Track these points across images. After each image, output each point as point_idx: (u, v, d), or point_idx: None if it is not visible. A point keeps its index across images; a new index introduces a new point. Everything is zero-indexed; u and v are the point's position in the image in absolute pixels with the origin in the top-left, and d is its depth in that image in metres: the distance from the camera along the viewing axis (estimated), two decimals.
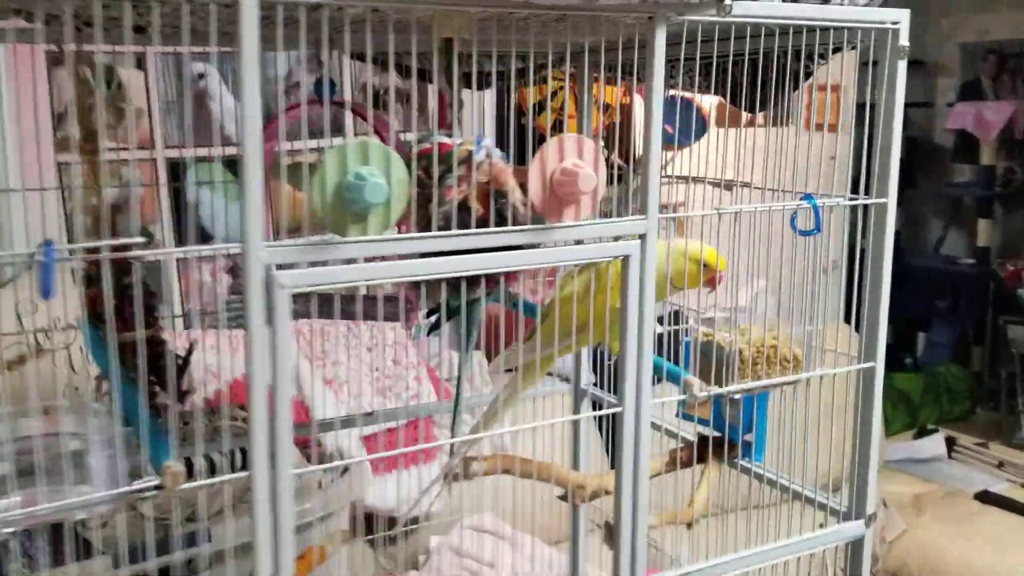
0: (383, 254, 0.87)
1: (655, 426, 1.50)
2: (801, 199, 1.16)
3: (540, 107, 3.20)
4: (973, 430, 4.03)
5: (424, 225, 0.92)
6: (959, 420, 4.24)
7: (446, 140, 0.95)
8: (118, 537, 1.28)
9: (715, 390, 1.13)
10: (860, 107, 1.33)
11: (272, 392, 0.83)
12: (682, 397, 1.15)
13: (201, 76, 2.66)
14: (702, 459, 1.38)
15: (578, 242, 1.04)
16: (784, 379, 1.18)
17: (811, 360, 1.20)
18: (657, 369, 1.18)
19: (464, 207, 0.94)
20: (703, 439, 1.38)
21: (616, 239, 1.02)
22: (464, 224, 0.93)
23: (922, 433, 3.83)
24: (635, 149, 2.93)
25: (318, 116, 1.21)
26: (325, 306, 2.44)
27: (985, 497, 3.13)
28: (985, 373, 4.57)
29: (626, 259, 1.02)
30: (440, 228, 0.92)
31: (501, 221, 0.96)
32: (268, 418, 0.83)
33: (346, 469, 2.35)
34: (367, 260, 0.89)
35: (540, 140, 0.99)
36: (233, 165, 0.99)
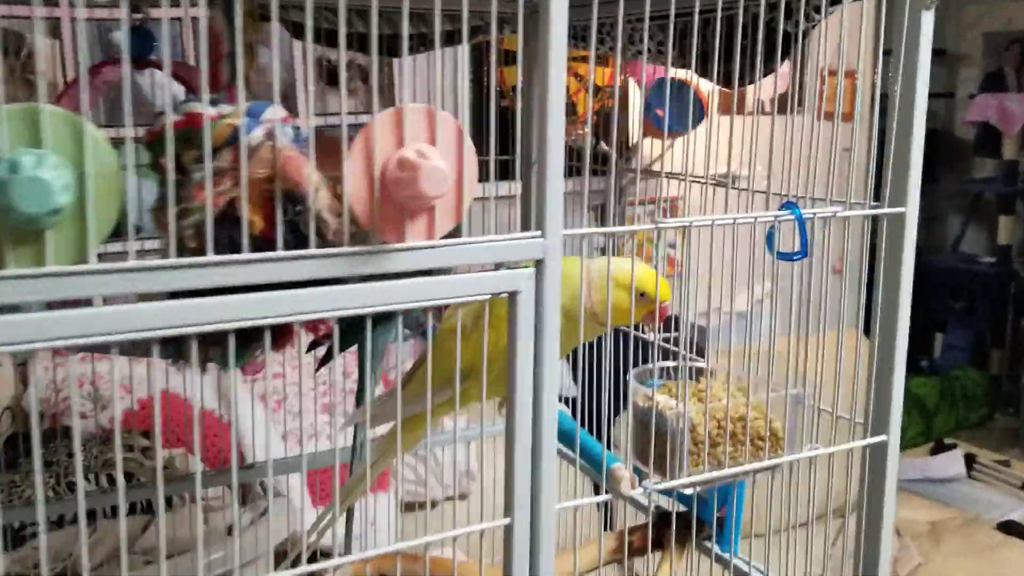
0: (68, 296, 0.52)
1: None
2: (782, 207, 0.80)
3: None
4: (990, 439, 3.93)
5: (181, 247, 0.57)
6: (976, 427, 4.09)
7: (208, 109, 0.58)
8: None
9: (654, 484, 0.78)
10: (884, 98, 0.99)
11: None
12: (604, 498, 0.79)
13: None
14: (661, 545, 1.04)
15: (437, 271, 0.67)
16: (756, 466, 0.83)
17: (798, 438, 0.84)
18: (568, 442, 0.83)
19: (231, 218, 0.58)
20: (663, 516, 1.04)
21: (498, 267, 0.67)
22: (231, 245, 0.56)
23: (939, 448, 3.59)
24: (631, 136, 2.61)
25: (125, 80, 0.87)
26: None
27: (1008, 528, 2.92)
28: (1004, 377, 4.38)
29: (513, 296, 0.66)
30: (192, 252, 0.56)
31: (298, 242, 0.59)
32: None
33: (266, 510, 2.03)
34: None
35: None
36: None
